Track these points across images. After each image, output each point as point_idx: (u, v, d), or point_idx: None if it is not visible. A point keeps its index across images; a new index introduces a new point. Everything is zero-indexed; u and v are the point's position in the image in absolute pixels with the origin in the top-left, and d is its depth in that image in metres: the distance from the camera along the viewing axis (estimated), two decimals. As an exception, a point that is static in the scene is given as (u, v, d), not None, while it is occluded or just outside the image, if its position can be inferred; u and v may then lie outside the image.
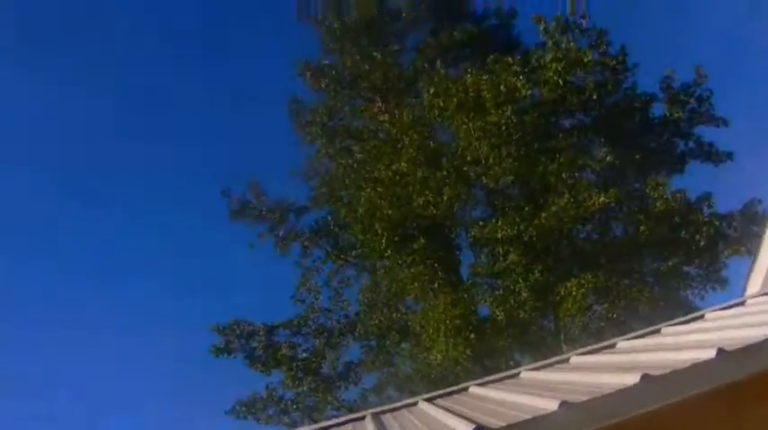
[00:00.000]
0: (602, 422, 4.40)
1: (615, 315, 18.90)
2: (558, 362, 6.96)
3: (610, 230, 21.29)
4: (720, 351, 4.79)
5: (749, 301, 7.57)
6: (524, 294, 18.80)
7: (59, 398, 33.06)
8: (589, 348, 7.21)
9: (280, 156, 32.70)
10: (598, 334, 18.14)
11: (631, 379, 4.65)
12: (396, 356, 23.03)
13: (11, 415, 28.25)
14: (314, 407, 23.03)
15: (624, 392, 4.56)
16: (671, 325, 7.22)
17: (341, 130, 25.85)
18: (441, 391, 7.21)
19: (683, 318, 7.42)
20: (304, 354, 23.31)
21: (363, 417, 6.65)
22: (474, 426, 4.16)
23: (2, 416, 30.68)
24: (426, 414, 5.90)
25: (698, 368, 4.77)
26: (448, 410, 5.45)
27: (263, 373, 23.29)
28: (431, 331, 19.32)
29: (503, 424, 4.21)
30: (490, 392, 6.38)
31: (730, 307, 7.48)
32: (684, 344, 6.03)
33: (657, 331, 7.11)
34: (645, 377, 4.60)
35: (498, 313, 19.03)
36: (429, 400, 6.70)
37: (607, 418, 4.40)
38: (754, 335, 5.16)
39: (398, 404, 7.18)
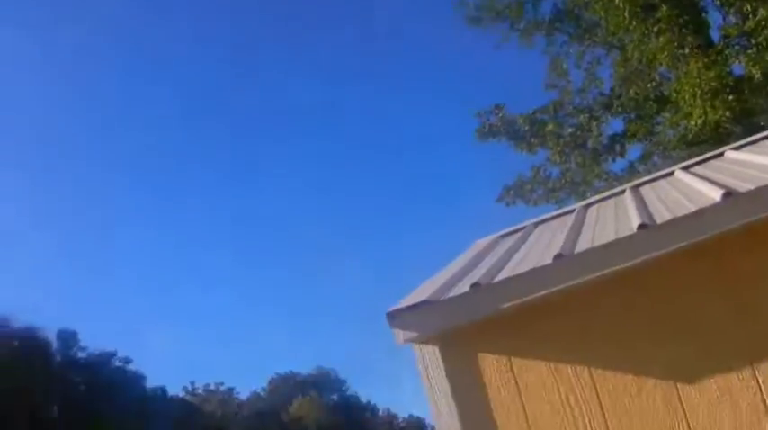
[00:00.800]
0: None
1: None
2: (762, 139, 7.15)
3: None
4: None
5: None
6: (779, 49, 18.37)
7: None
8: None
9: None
10: None
11: None
12: (656, 126, 23.14)
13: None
14: (581, 182, 23.68)
15: None
16: None
17: None
18: (697, 159, 7.63)
19: None
20: (570, 130, 23.84)
21: (623, 191, 7.22)
22: (723, 191, 4.42)
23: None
24: (682, 182, 6.36)
25: None
26: (702, 177, 5.85)
27: (529, 152, 24.09)
28: (687, 97, 19.30)
29: (752, 187, 4.39)
30: (746, 156, 6.56)
31: None
32: None
33: None
34: None
35: (754, 71, 18.70)
36: (685, 169, 7.14)
37: None
38: None
39: (656, 174, 7.66)
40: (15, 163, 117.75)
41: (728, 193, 4.40)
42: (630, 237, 4.49)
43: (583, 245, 4.84)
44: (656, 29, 20.04)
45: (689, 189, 5.59)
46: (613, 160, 23.87)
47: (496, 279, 4.81)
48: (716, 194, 4.50)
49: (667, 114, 22.05)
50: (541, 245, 5.73)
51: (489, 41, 25.93)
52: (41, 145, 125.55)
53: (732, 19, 20.23)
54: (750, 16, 19.10)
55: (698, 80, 18.77)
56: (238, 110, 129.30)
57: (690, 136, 20.67)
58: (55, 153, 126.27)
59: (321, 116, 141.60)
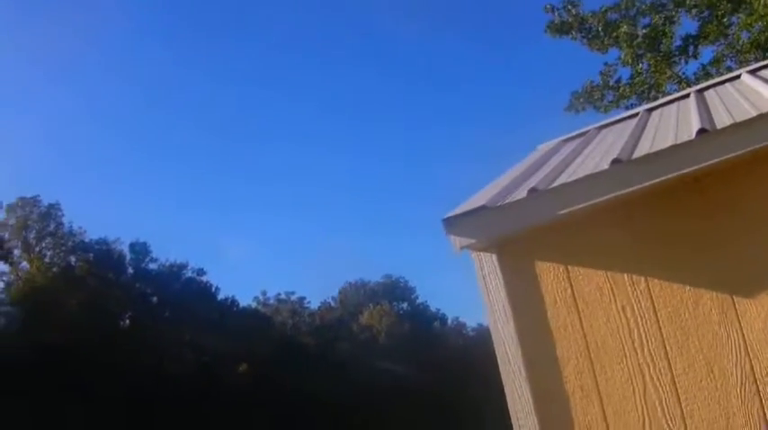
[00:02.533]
0: None
1: None
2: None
3: None
4: None
5: None
6: None
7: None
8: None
9: None
10: None
11: None
12: (730, 27, 22.47)
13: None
14: (653, 86, 23.19)
15: None
16: None
17: None
18: (765, 62, 7.45)
19: None
20: (644, 31, 23.24)
21: (688, 95, 7.06)
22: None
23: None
24: (746, 86, 6.22)
25: None
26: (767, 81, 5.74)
27: (602, 51, 23.55)
28: (763, -1, 18.65)
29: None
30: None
31: None
32: None
33: None
34: None
35: None
36: (752, 72, 6.98)
37: None
38: None
39: (722, 78, 7.49)
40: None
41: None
42: (689, 142, 4.41)
43: (641, 150, 4.76)
44: None
45: (753, 93, 5.45)
46: (686, 62, 23.32)
47: (554, 184, 4.76)
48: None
49: (741, 15, 21.36)
50: (601, 149, 5.66)
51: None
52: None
53: None
54: None
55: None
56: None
57: (763, 39, 20.07)
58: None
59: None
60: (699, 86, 7.31)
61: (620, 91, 23.18)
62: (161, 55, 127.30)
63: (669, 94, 21.39)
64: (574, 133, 7.39)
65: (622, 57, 23.20)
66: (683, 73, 23.18)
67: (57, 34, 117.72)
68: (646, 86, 22.92)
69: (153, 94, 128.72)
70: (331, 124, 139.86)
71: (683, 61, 23.29)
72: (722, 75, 20.48)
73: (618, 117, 7.54)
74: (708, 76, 21.67)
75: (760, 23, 19.67)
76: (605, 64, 23.52)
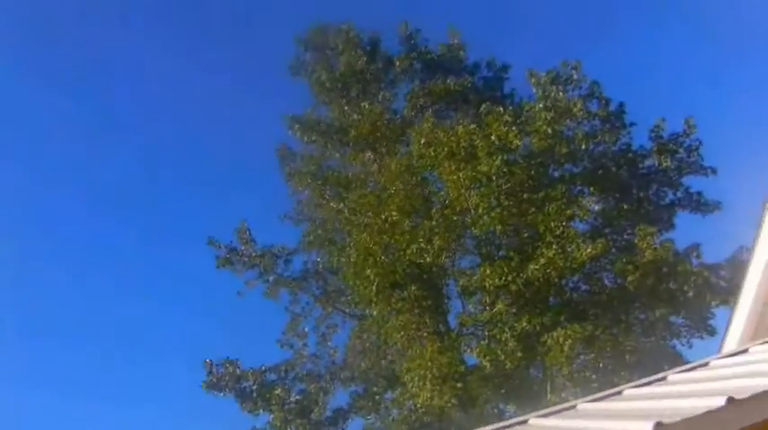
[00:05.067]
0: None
1: (602, 364, 18.63)
2: (565, 410, 6.96)
3: (599, 280, 21.19)
4: (730, 399, 4.88)
5: (752, 350, 7.74)
6: (511, 343, 18.65)
7: None
8: (597, 395, 7.21)
9: (268, 202, 32.39)
10: (585, 383, 17.95)
11: (645, 426, 4.70)
12: (383, 403, 22.87)
13: None
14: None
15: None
16: (677, 372, 7.34)
17: (331, 179, 25.74)
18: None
19: (687, 366, 7.55)
20: (297, 397, 23.12)
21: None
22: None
23: None
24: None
25: (710, 415, 4.84)
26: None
27: (252, 414, 23.05)
28: (416, 379, 19.15)
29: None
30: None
31: (733, 355, 7.65)
32: (693, 392, 6.13)
33: (664, 379, 7.21)
34: (659, 425, 4.66)
35: (485, 362, 18.85)
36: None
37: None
38: (762, 383, 5.27)
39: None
40: None
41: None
42: None
43: None
44: (398, 306, 20.05)
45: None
46: (334, 433, 23.28)
47: None
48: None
49: (395, 393, 21.86)
50: None
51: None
52: None
53: (471, 308, 20.63)
54: (488, 307, 19.58)
55: (430, 364, 18.68)
56: None
57: (413, 417, 20.50)
58: None
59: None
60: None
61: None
62: None
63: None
64: None
65: (271, 420, 22.84)
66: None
67: None
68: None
69: None
70: None
71: (331, 431, 23.26)
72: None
73: None
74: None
75: (411, 402, 20.12)
76: (254, 427, 23.04)
